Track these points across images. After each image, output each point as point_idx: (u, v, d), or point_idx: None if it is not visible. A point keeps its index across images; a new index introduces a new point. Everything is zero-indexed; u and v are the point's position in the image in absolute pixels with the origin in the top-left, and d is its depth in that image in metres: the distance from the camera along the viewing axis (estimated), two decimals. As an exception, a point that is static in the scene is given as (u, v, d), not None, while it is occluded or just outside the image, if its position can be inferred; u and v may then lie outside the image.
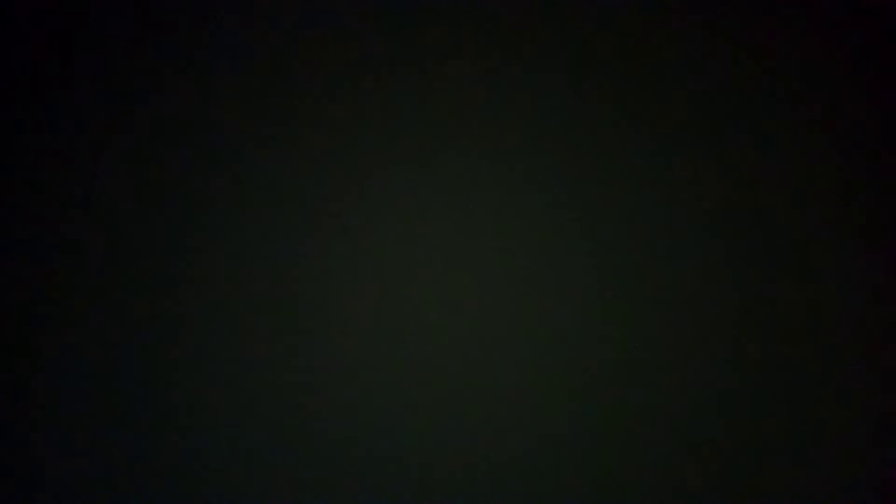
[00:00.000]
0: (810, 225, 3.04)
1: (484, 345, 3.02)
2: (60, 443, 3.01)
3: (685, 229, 3.04)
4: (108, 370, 3.03)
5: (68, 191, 3.06)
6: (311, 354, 3.03)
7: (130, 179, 3.07)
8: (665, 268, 3.03)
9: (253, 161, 3.07)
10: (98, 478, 3.01)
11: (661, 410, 3.00)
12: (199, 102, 3.08)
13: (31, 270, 3.05)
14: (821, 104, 3.06)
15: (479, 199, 3.06)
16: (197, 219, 3.06)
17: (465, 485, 3.00)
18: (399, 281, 3.04)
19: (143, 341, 3.03)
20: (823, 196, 3.04)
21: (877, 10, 3.06)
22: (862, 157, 3.05)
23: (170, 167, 3.07)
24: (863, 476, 2.98)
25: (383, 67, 3.08)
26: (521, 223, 3.05)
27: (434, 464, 3.00)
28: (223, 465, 3.00)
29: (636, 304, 3.02)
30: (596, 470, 2.99)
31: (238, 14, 3.09)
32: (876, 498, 2.97)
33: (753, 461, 2.98)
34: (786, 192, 3.05)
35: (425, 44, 3.08)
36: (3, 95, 3.08)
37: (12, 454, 3.01)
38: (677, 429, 2.99)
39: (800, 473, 2.98)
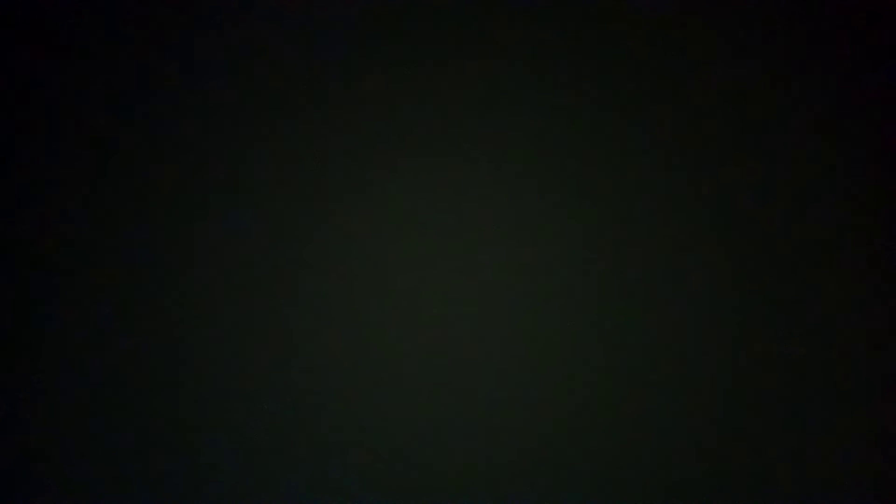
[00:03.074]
0: (811, 225, 3.04)
1: (484, 345, 3.02)
2: (60, 443, 3.01)
3: (685, 229, 3.04)
4: (108, 370, 3.03)
5: (68, 191, 3.07)
6: (311, 355, 3.03)
7: (130, 179, 3.07)
8: (665, 267, 3.03)
9: (253, 161, 3.07)
10: (98, 478, 3.01)
11: (661, 410, 3.00)
12: (199, 102, 3.08)
13: (31, 270, 3.05)
14: (821, 104, 3.06)
15: (479, 199, 3.06)
16: (197, 219, 3.06)
17: (465, 484, 3.00)
18: (399, 281, 3.04)
19: (144, 341, 3.03)
20: (824, 196, 3.05)
21: (877, 10, 3.06)
22: (862, 157, 3.05)
23: (170, 167, 3.07)
24: (863, 476, 2.98)
25: (383, 67, 3.08)
26: (520, 223, 3.05)
27: (434, 464, 3.00)
28: (223, 466, 3.00)
29: (636, 304, 3.02)
30: (596, 470, 2.99)
31: (238, 14, 3.10)
32: (876, 498, 2.97)
33: (753, 461, 2.98)
34: (786, 192, 3.05)
35: (425, 44, 3.08)
36: (3, 95, 3.08)
37: (12, 454, 3.01)
38: (677, 429, 2.99)
39: (800, 473, 2.98)
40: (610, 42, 3.08)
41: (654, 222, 3.04)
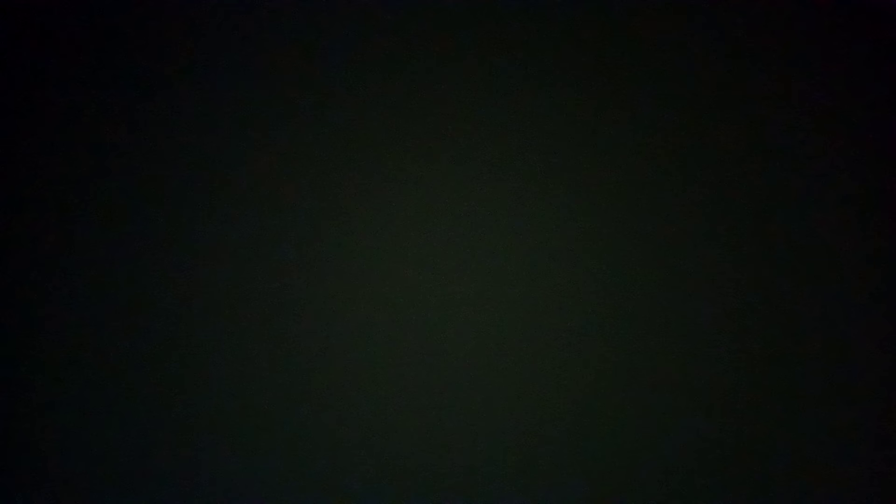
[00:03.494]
0: (811, 225, 3.04)
1: (485, 345, 3.02)
2: (60, 443, 3.01)
3: (686, 229, 3.04)
4: (109, 370, 3.03)
5: (68, 191, 3.06)
6: (311, 355, 3.03)
7: (130, 179, 3.07)
8: (666, 268, 3.03)
9: (254, 162, 3.07)
10: (98, 478, 3.01)
11: (661, 411, 3.00)
12: (200, 102, 3.08)
13: (31, 270, 3.05)
14: (821, 104, 3.06)
15: (479, 199, 3.06)
16: (197, 219, 3.06)
17: (465, 485, 3.00)
18: (400, 281, 3.04)
19: (144, 342, 3.03)
20: (824, 197, 3.04)
21: (877, 10, 3.06)
22: (862, 157, 3.05)
23: (170, 167, 3.07)
24: (863, 476, 2.98)
25: (384, 68, 3.08)
26: (520, 224, 3.05)
27: (434, 464, 3.00)
28: (223, 466, 3.00)
29: (637, 305, 3.02)
30: (597, 470, 2.99)
31: (238, 14, 3.09)
32: (876, 498, 2.97)
33: (753, 461, 2.98)
34: (786, 192, 3.05)
35: (425, 44, 3.08)
36: (3, 95, 3.08)
37: (12, 454, 3.01)
38: (677, 429, 2.99)
39: (800, 473, 2.98)
40: (611, 42, 3.07)
41: (654, 223, 3.04)
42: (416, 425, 3.00)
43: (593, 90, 3.06)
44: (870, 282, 3.01)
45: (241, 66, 3.08)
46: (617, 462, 2.99)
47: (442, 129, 3.07)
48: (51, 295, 3.04)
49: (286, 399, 3.01)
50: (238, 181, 3.06)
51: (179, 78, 3.08)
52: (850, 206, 3.03)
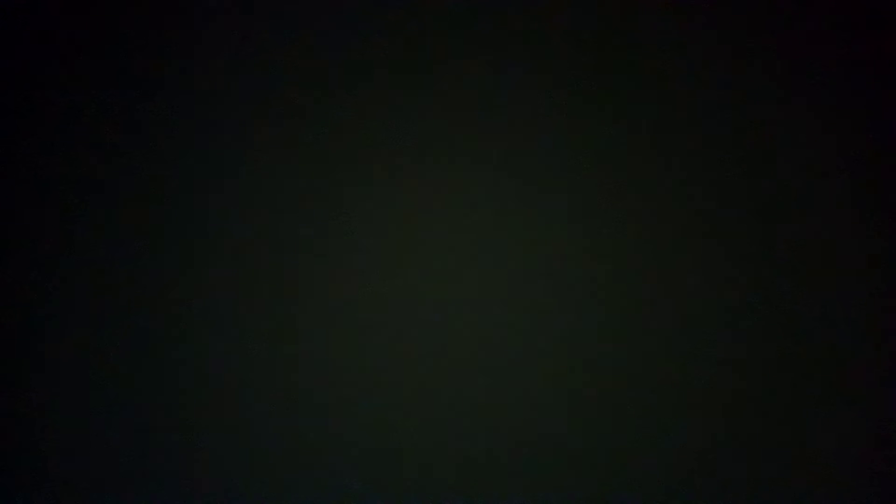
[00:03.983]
0: (811, 226, 3.04)
1: (484, 345, 3.02)
2: (60, 443, 3.01)
3: (687, 230, 3.04)
4: (109, 370, 3.03)
5: (68, 191, 3.06)
6: (312, 355, 3.03)
7: (130, 179, 3.07)
8: (665, 268, 3.03)
9: (254, 162, 3.07)
10: (98, 478, 3.01)
11: (662, 411, 3.00)
12: (199, 102, 3.08)
13: (31, 270, 3.05)
14: (821, 104, 3.06)
15: (479, 199, 3.06)
16: (197, 219, 3.06)
17: (465, 485, 3.00)
18: (400, 281, 3.04)
19: (144, 342, 3.03)
20: (824, 197, 3.04)
21: (877, 10, 3.06)
22: (862, 157, 3.05)
23: (170, 167, 3.07)
24: (863, 476, 2.98)
25: (383, 68, 3.08)
26: (520, 224, 3.05)
27: (434, 464, 3.00)
28: (223, 466, 3.00)
29: (636, 305, 3.02)
30: (596, 470, 2.99)
31: (238, 14, 3.10)
32: (876, 498, 2.97)
33: (753, 461, 2.98)
34: (787, 192, 3.05)
35: (425, 44, 3.08)
36: (3, 95, 3.08)
37: (12, 454, 3.01)
38: (677, 429, 2.99)
39: (800, 473, 2.98)
40: (611, 42, 3.07)
41: (654, 223, 3.04)
42: (416, 425, 3.00)
43: (593, 90, 3.07)
44: (870, 282, 3.01)
45: (240, 66, 3.08)
46: (617, 462, 2.99)
47: (442, 129, 3.07)
48: (51, 295, 3.04)
49: (286, 399, 3.01)
50: (238, 181, 3.06)
51: (179, 78, 3.08)
52: (850, 206, 3.03)
